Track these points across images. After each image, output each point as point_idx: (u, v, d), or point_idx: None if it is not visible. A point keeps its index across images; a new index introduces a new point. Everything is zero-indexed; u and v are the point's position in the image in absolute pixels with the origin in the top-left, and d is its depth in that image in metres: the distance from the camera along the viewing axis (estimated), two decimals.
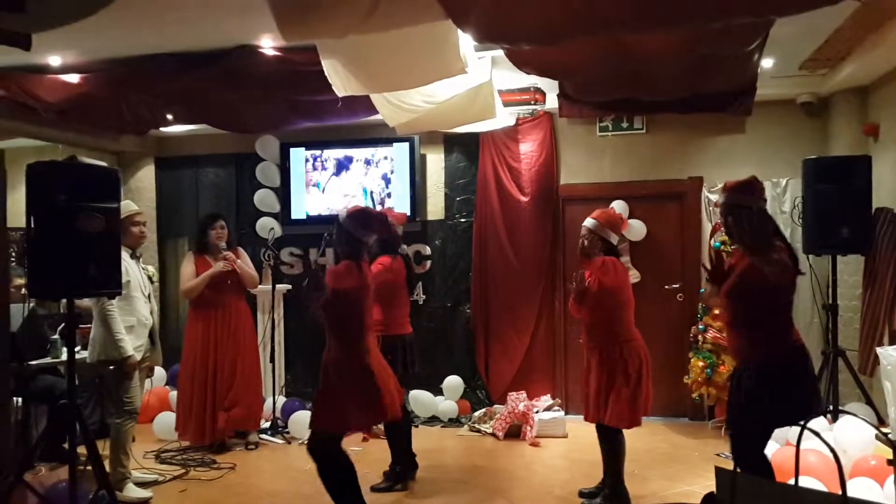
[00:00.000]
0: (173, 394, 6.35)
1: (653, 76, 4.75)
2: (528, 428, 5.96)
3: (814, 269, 5.58)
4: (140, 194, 7.32)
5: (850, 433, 4.14)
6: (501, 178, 6.73)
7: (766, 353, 3.25)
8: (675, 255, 6.55)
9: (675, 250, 6.55)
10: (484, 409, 6.46)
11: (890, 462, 3.43)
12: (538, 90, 6.12)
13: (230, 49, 4.71)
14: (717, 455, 5.33)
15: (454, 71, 4.16)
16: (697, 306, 6.10)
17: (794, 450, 1.78)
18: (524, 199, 6.68)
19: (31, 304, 4.88)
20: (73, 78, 5.06)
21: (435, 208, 7.00)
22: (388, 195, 6.78)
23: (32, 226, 3.36)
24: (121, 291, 3.79)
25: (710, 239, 6.14)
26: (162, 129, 6.59)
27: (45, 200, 3.36)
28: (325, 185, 6.93)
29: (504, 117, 5.91)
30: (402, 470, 4.82)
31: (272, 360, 6.30)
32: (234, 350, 5.64)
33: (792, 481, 1.78)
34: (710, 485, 3.49)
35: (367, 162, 6.84)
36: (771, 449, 4.10)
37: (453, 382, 6.66)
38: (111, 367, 4.54)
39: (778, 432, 3.97)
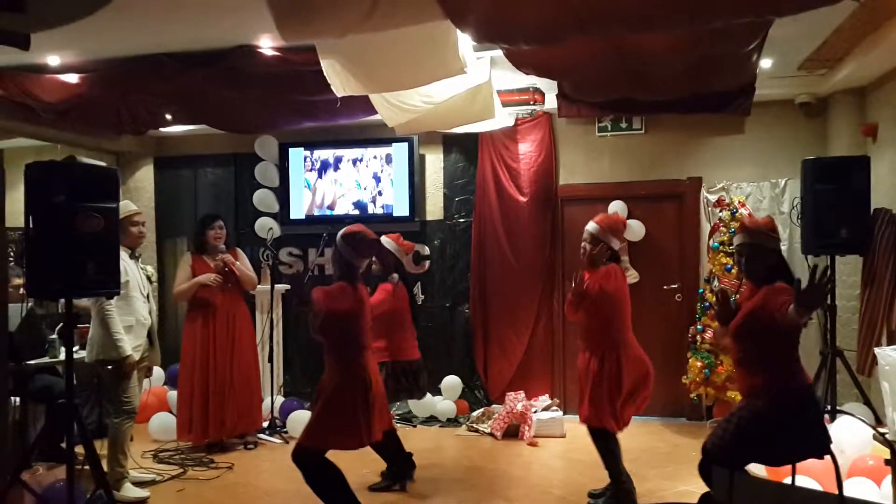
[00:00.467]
0: (172, 393, 6.35)
1: (652, 76, 4.76)
2: (527, 428, 5.96)
3: (812, 269, 5.58)
4: (139, 194, 7.32)
5: (848, 433, 4.15)
6: (500, 179, 6.73)
7: (774, 396, 3.17)
8: (673, 255, 6.56)
9: (674, 251, 6.55)
10: (482, 409, 6.47)
11: (887, 462, 3.43)
12: (537, 90, 6.12)
13: (229, 49, 4.71)
14: None
15: (453, 71, 4.17)
16: (696, 306, 6.11)
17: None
18: (523, 199, 6.68)
19: (30, 304, 4.87)
20: (72, 78, 5.06)
21: (434, 208, 7.01)
22: (380, 193, 6.78)
23: (31, 225, 3.36)
24: (119, 291, 3.79)
25: (709, 239, 6.15)
26: (161, 129, 6.59)
27: (43, 200, 3.36)
28: (313, 184, 6.93)
29: (503, 117, 5.91)
30: (400, 470, 4.81)
31: (270, 359, 6.30)
32: (233, 350, 5.64)
33: (788, 480, 1.78)
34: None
35: (356, 161, 6.84)
36: None
37: (452, 382, 6.67)
38: (109, 367, 4.54)
39: None
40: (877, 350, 4.60)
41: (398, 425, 6.16)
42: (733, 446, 3.20)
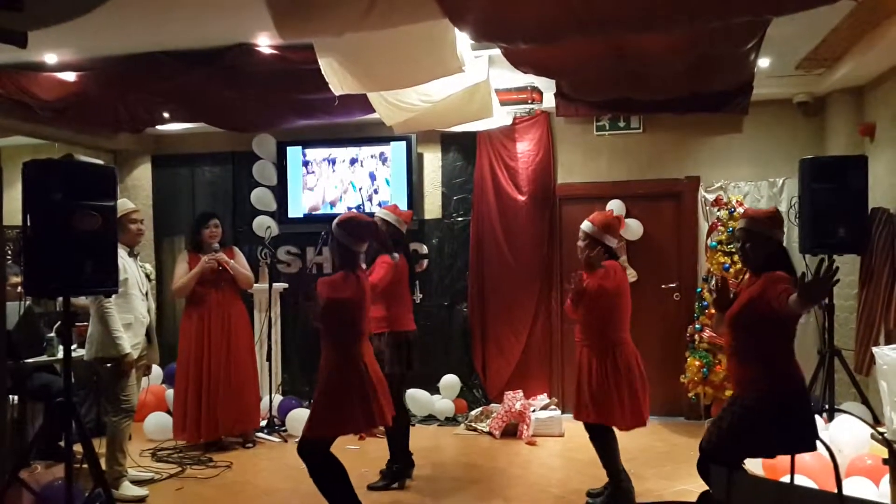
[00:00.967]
0: (170, 392, 6.34)
1: (650, 76, 4.76)
2: (525, 427, 5.96)
3: (810, 269, 5.58)
4: (137, 192, 7.31)
5: (846, 432, 4.15)
6: (498, 177, 6.73)
7: (766, 389, 3.18)
8: (671, 254, 6.56)
9: (672, 250, 6.56)
10: (480, 408, 6.47)
11: (885, 461, 3.43)
12: (535, 89, 6.12)
13: (227, 47, 4.70)
14: None
15: (451, 70, 4.16)
16: (694, 305, 6.11)
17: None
18: (521, 198, 6.68)
19: (28, 302, 4.87)
20: (70, 76, 5.06)
21: (432, 207, 7.00)
22: (376, 191, 6.78)
23: (29, 224, 3.35)
24: (117, 290, 3.79)
25: (707, 239, 6.15)
26: (158, 127, 6.58)
27: (41, 198, 3.35)
28: (309, 180, 6.94)
29: (501, 116, 5.91)
30: (399, 468, 4.82)
31: (269, 358, 6.30)
32: (228, 349, 5.64)
33: (786, 479, 1.78)
34: (705, 484, 3.50)
35: (353, 160, 6.84)
36: None
37: (450, 381, 6.67)
38: (108, 365, 4.54)
39: None
40: (875, 349, 4.62)
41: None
42: (729, 443, 3.21)
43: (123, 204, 4.71)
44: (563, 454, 5.54)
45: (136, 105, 5.81)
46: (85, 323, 4.77)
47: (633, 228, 6.41)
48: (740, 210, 5.89)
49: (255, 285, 6.20)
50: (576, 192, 6.70)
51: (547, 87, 5.99)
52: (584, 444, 5.21)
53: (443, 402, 6.59)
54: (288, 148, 6.96)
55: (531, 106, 6.36)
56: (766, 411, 3.14)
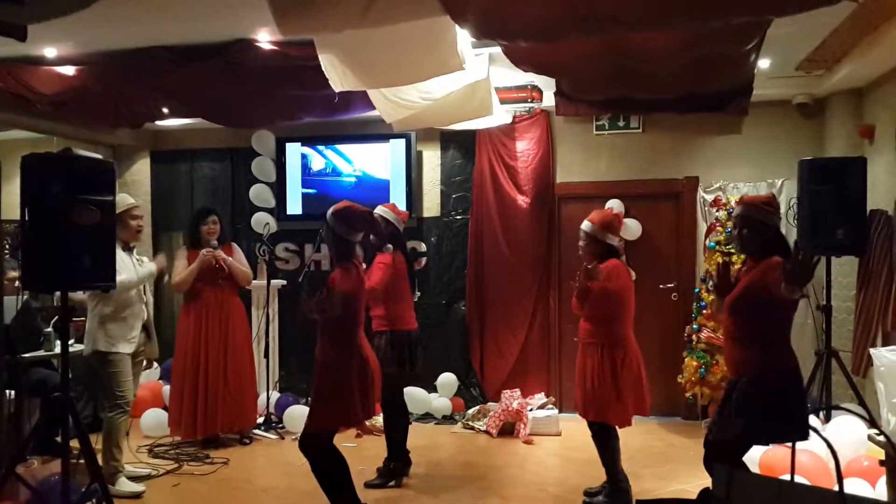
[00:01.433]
0: (167, 388, 6.34)
1: (650, 75, 4.76)
2: (522, 426, 5.96)
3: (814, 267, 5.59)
4: (135, 187, 7.30)
5: (843, 434, 4.16)
6: (498, 176, 6.73)
7: (761, 370, 3.22)
8: (670, 254, 6.56)
9: (671, 250, 6.56)
10: (478, 407, 6.47)
11: (882, 463, 3.44)
12: (535, 88, 6.12)
13: (227, 43, 4.69)
14: None
15: (451, 67, 4.16)
16: (692, 306, 6.12)
17: (789, 448, 1.78)
18: (520, 196, 6.68)
19: (25, 297, 4.85)
20: (69, 70, 5.05)
21: (431, 205, 7.00)
22: (377, 189, 6.75)
23: (27, 218, 3.34)
24: (115, 285, 3.78)
25: (706, 239, 6.16)
26: (157, 122, 6.56)
27: (39, 193, 3.34)
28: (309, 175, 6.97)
29: (501, 115, 5.90)
30: (398, 467, 4.82)
31: (266, 355, 6.29)
32: (226, 346, 5.63)
33: (786, 478, 1.78)
34: (702, 484, 3.50)
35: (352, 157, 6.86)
36: (762, 448, 4.12)
37: (447, 380, 6.67)
38: (107, 359, 4.53)
39: None
40: (872, 351, 4.63)
41: None
42: (734, 429, 3.23)
43: (123, 199, 4.70)
44: (560, 453, 5.54)
45: (135, 100, 5.79)
46: (83, 318, 4.76)
47: (632, 228, 6.42)
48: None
49: (253, 282, 6.19)
50: (575, 191, 6.70)
51: (547, 85, 5.99)
52: (581, 443, 5.23)
53: (440, 401, 6.59)
54: (287, 144, 6.96)
55: (531, 105, 6.36)
56: (760, 392, 3.19)
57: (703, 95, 5.45)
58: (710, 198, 6.26)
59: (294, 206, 6.95)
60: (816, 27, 4.52)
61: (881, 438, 3.36)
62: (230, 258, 5.67)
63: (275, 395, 6.45)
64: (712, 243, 5.99)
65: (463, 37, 4.00)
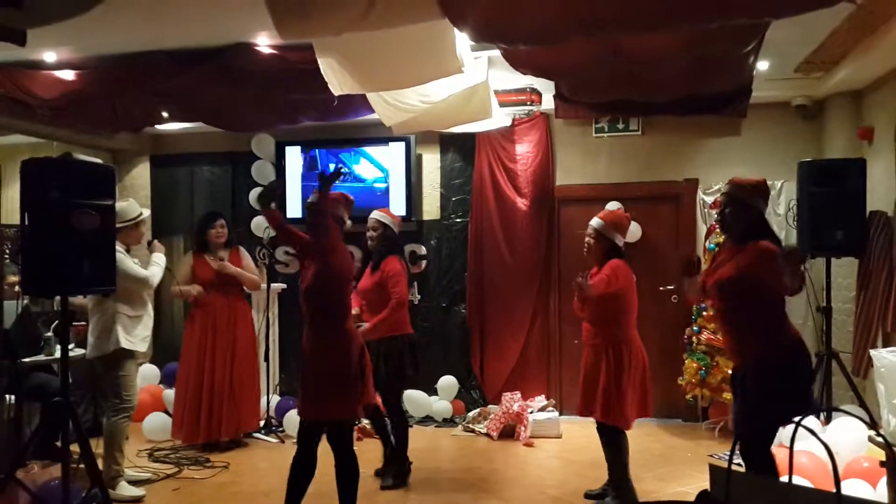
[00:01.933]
0: (167, 392, 6.34)
1: (649, 78, 4.77)
2: (523, 428, 5.96)
3: (808, 271, 5.59)
4: (135, 192, 7.30)
5: (843, 435, 4.15)
6: (497, 179, 6.73)
7: (766, 349, 3.24)
8: (669, 256, 6.56)
9: (670, 252, 6.55)
10: (478, 410, 6.46)
11: (882, 464, 3.44)
12: (534, 91, 6.13)
13: (226, 47, 4.70)
14: (711, 456, 5.34)
15: (451, 70, 4.17)
16: (692, 308, 6.11)
17: (787, 449, 1.78)
18: (520, 199, 6.68)
19: (25, 301, 4.86)
20: (69, 75, 5.05)
21: (431, 208, 7.01)
22: (376, 192, 6.76)
23: (27, 222, 3.35)
24: (115, 289, 3.78)
25: (706, 241, 6.16)
26: (157, 126, 6.58)
27: (39, 197, 3.35)
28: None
29: (500, 118, 5.91)
30: (400, 470, 4.82)
31: (266, 358, 6.29)
32: (234, 352, 5.63)
33: (785, 479, 1.78)
34: (703, 486, 3.49)
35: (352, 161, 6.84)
36: None
37: (448, 382, 6.67)
38: (111, 359, 4.53)
39: None
40: (872, 352, 4.63)
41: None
42: (758, 413, 3.24)
43: (135, 208, 4.74)
44: (560, 455, 5.54)
45: (134, 104, 5.80)
46: (83, 322, 4.76)
47: (632, 230, 6.39)
48: None
49: (261, 286, 6.16)
50: (574, 193, 6.71)
51: (546, 88, 6.00)
52: (581, 445, 5.23)
53: (440, 404, 6.59)
54: (287, 148, 6.96)
55: (530, 107, 6.37)
56: (771, 371, 3.19)
57: (702, 97, 5.46)
58: (709, 199, 6.26)
59: (294, 210, 6.95)
60: (815, 29, 4.53)
61: (881, 439, 3.36)
62: (238, 268, 5.65)
63: (275, 398, 6.45)
64: (712, 245, 5.99)
65: (462, 40, 4.01)
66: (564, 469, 5.20)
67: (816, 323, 5.77)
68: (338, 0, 3.36)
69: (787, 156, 6.09)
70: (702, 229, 6.34)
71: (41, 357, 4.92)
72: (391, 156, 6.75)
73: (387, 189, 6.77)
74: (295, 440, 3.83)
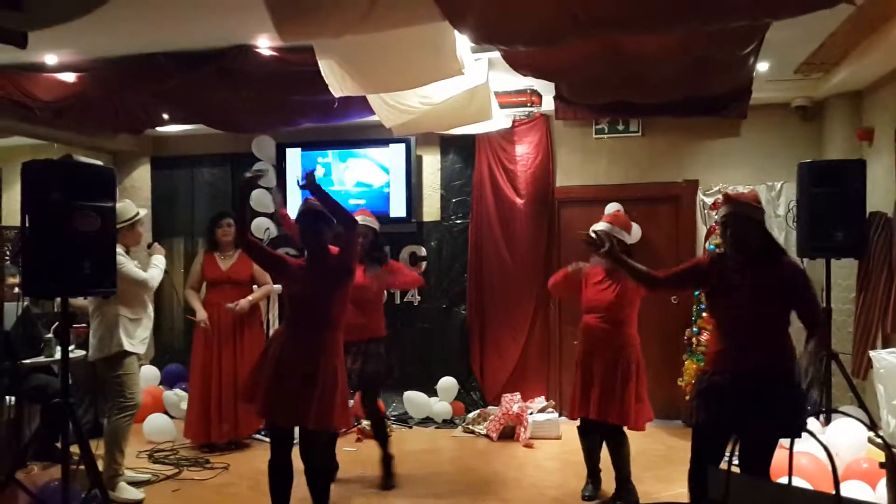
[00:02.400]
0: (168, 393, 6.34)
1: (649, 79, 4.76)
2: (522, 429, 5.96)
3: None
4: (135, 193, 7.30)
5: (843, 436, 4.16)
6: (497, 180, 6.74)
7: (789, 361, 3.24)
8: (669, 257, 6.53)
9: (670, 253, 6.54)
10: (478, 411, 6.46)
11: (882, 465, 3.44)
12: (534, 92, 6.13)
13: (226, 49, 4.70)
14: None
15: (451, 72, 4.17)
16: (692, 309, 6.11)
17: (787, 450, 1.79)
18: (520, 200, 6.69)
19: (26, 303, 4.86)
20: (69, 77, 5.05)
21: (431, 209, 7.01)
22: (376, 194, 6.77)
23: (27, 224, 3.36)
24: (115, 290, 3.79)
25: (705, 242, 6.16)
26: (158, 128, 6.58)
27: (40, 199, 3.36)
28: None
29: (500, 119, 5.91)
30: (386, 473, 4.86)
31: None
32: (242, 354, 5.63)
33: (784, 480, 1.79)
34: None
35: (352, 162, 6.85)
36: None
37: (447, 384, 6.67)
38: (113, 360, 4.53)
39: None
40: (872, 353, 4.61)
41: (394, 426, 6.17)
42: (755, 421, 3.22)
43: (131, 208, 4.74)
44: (560, 457, 5.54)
45: (135, 106, 5.81)
46: (83, 324, 4.76)
47: (632, 232, 6.41)
48: None
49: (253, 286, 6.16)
50: (574, 195, 6.71)
51: (546, 90, 6.00)
52: (581, 446, 5.20)
53: (440, 405, 6.59)
54: (287, 149, 6.96)
55: (530, 109, 6.36)
56: (793, 382, 3.18)
57: (702, 99, 5.45)
58: (709, 201, 6.26)
59: (294, 211, 6.93)
60: (815, 30, 4.53)
61: (880, 441, 3.36)
62: (251, 297, 5.64)
63: None
64: (712, 246, 5.98)
65: (462, 41, 4.01)
66: (564, 470, 5.19)
67: None
68: (338, 2, 3.36)
69: (787, 156, 6.09)
70: (702, 230, 6.34)
71: (41, 358, 4.92)
72: (391, 157, 6.76)
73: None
74: (294, 441, 3.83)
